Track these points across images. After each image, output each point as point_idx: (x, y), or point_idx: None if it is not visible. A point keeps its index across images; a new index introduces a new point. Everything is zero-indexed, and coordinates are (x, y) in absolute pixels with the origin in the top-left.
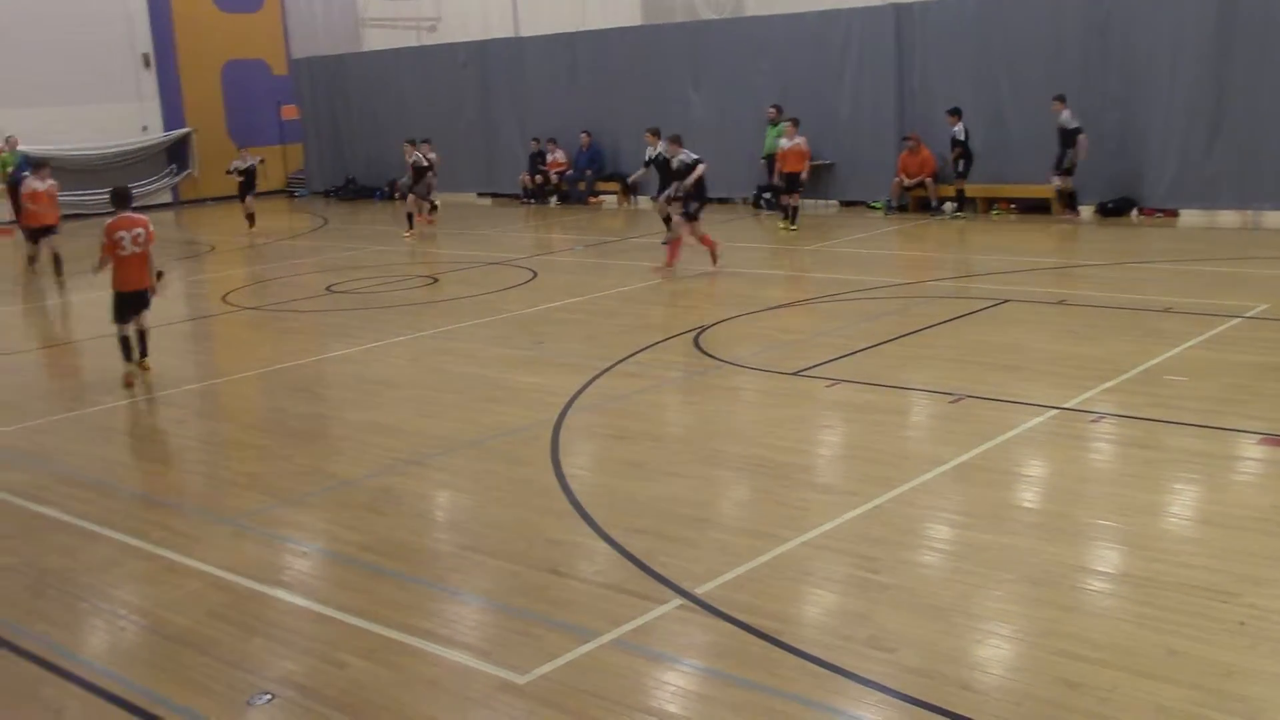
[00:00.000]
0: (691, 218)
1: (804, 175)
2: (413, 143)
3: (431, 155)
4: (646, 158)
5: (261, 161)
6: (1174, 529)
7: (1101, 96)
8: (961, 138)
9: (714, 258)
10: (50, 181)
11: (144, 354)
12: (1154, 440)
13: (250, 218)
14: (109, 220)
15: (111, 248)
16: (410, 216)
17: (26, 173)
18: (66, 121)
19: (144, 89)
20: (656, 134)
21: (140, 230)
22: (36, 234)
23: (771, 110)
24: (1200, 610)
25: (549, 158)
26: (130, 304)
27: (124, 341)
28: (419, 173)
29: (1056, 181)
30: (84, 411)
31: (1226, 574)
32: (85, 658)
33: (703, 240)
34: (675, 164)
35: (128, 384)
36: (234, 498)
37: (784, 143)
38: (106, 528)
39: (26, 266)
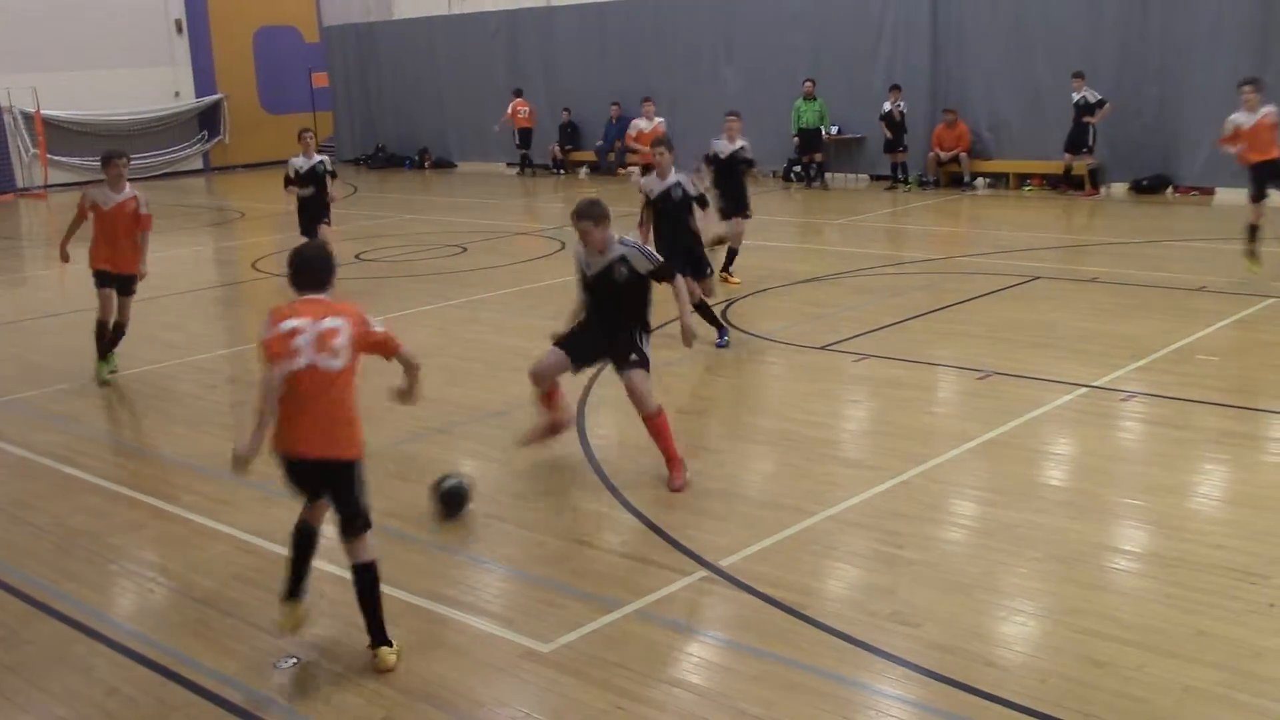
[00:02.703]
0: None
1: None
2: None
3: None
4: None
5: (330, 169)
6: (1203, 509)
7: (1140, 72)
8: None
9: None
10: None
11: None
12: (1184, 420)
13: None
14: None
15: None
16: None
17: None
18: (99, 87)
19: (176, 55)
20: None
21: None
22: None
23: (808, 84)
24: (1229, 591)
25: (639, 128)
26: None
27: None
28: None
29: (1071, 160)
30: (116, 375)
31: (1256, 555)
32: (114, 618)
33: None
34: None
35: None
36: (262, 463)
37: (642, 124)
38: (135, 490)
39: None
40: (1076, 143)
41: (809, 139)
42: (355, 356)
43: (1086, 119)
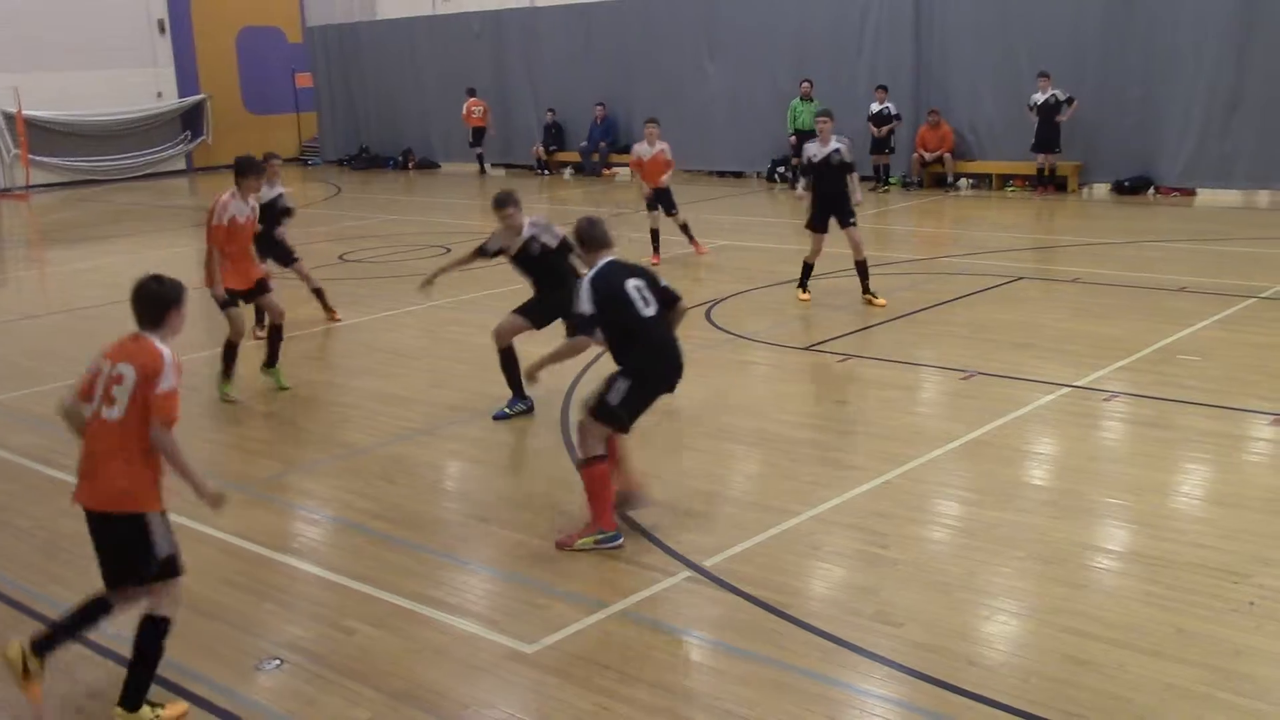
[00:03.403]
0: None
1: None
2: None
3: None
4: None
5: (289, 205)
6: (1184, 509)
7: (1122, 73)
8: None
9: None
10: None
11: None
12: (1166, 420)
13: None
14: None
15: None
16: None
17: None
18: (81, 87)
19: (159, 55)
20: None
21: (127, 370)
22: None
23: (805, 85)
24: (1209, 590)
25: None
26: None
27: None
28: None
29: (1045, 160)
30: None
31: (1236, 554)
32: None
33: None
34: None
35: None
36: (245, 465)
37: (642, 150)
38: None
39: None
40: (1049, 142)
41: (805, 141)
42: (135, 410)
43: (1058, 118)
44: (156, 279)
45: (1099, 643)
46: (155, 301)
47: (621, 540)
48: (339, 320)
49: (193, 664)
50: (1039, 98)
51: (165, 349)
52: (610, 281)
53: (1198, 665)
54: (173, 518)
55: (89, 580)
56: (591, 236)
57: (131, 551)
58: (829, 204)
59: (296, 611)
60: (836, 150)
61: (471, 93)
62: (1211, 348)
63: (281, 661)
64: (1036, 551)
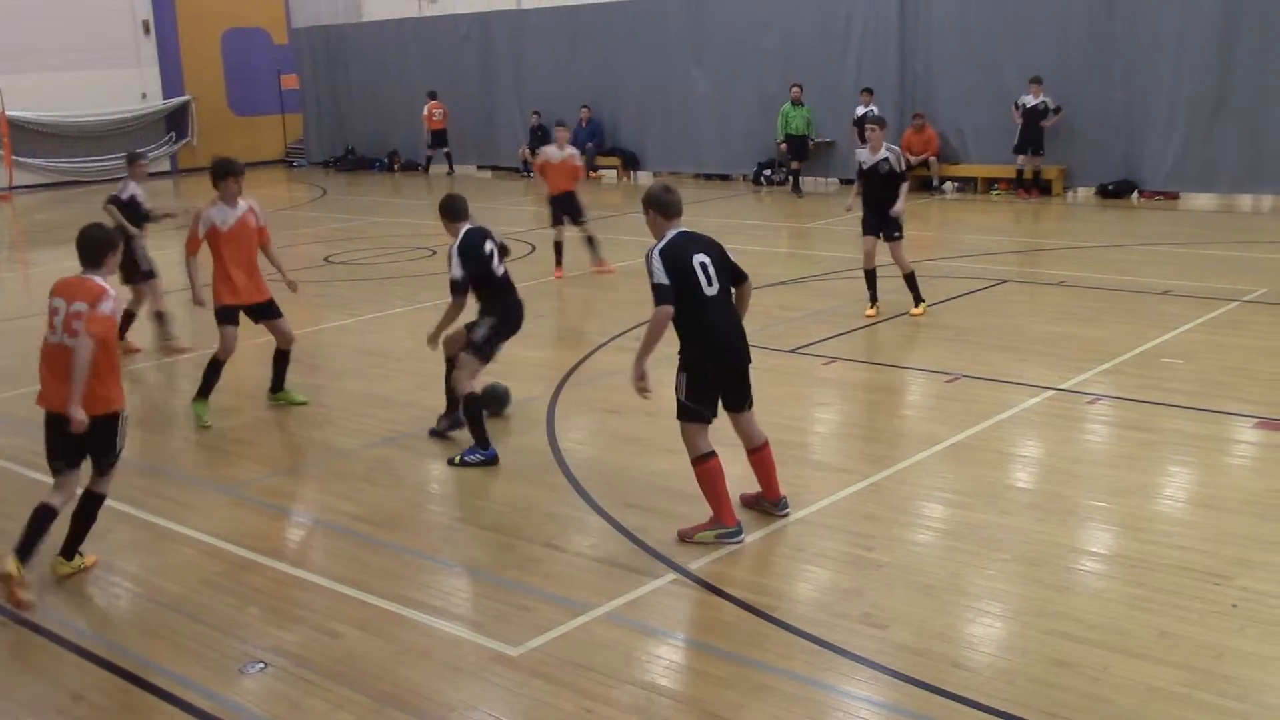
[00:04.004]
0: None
1: (579, 197)
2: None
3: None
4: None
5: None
6: (1168, 511)
7: (1106, 77)
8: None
9: None
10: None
11: None
12: (1149, 423)
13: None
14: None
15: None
16: None
17: None
18: (66, 88)
19: (143, 56)
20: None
21: (82, 306)
22: None
23: (795, 90)
24: (1192, 592)
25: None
26: None
27: None
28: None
29: (1025, 162)
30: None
31: (1219, 557)
32: (79, 623)
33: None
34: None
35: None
36: (229, 466)
37: (552, 152)
38: None
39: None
40: (1031, 145)
41: (796, 146)
42: (95, 334)
43: (1042, 123)
44: (98, 226)
45: (1082, 645)
46: (97, 245)
47: (743, 536)
48: (183, 352)
49: (176, 666)
50: (1029, 100)
51: (106, 284)
52: (681, 252)
53: (1180, 667)
54: (152, 519)
55: (71, 582)
56: (666, 203)
57: (105, 443)
58: (875, 212)
59: (280, 614)
60: (885, 159)
61: (432, 95)
62: (1195, 351)
63: (265, 664)
64: (1021, 554)
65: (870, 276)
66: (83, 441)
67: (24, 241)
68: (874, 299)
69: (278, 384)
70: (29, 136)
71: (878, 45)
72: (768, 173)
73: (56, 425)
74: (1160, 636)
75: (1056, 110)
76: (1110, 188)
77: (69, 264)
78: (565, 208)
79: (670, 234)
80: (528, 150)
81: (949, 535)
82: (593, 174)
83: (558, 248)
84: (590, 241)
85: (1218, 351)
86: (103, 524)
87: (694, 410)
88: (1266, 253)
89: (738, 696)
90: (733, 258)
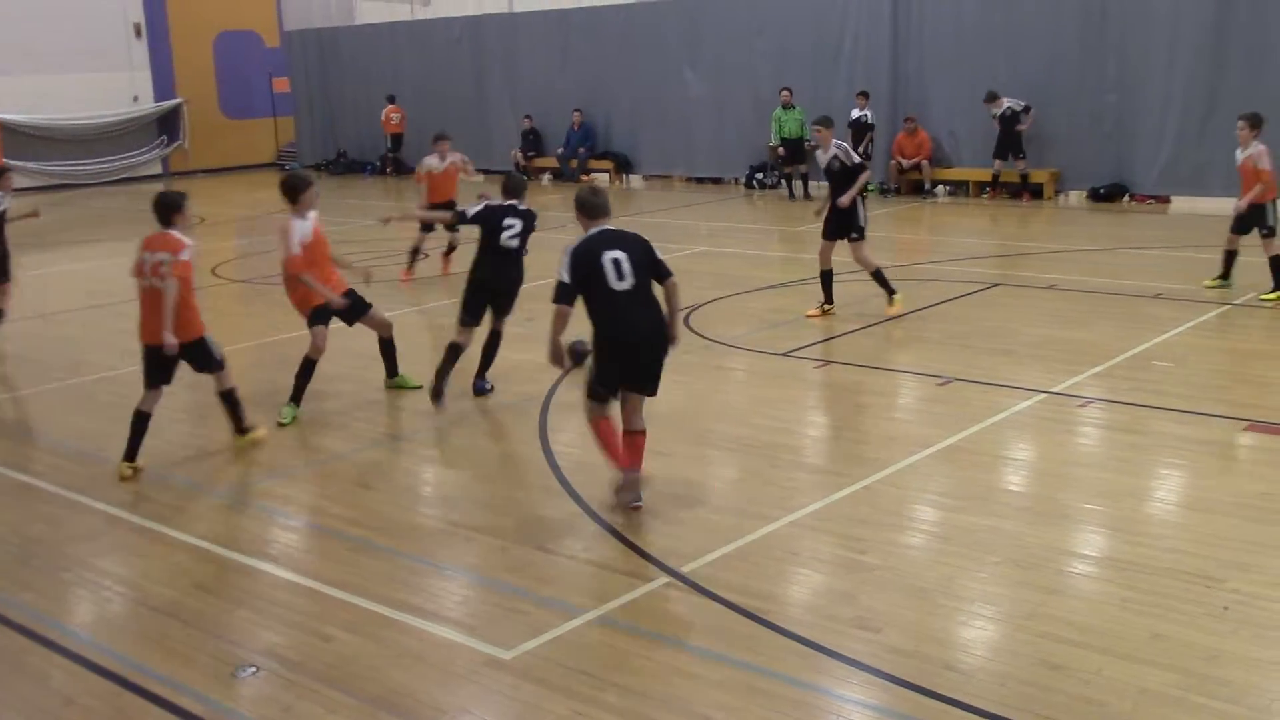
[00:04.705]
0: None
1: (459, 206)
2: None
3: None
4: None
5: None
6: (1159, 514)
7: (1098, 80)
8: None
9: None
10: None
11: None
12: (1141, 425)
13: None
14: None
15: (136, 270)
16: None
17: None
18: (57, 91)
19: (135, 59)
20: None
21: (164, 256)
22: None
23: (784, 93)
24: (1184, 595)
25: (429, 167)
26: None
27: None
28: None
29: (1000, 166)
30: (72, 382)
31: (1211, 559)
32: (70, 627)
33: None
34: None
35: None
36: (221, 470)
37: (433, 163)
38: (92, 498)
39: None
40: (1010, 149)
41: (793, 150)
42: (178, 276)
43: (1018, 128)
44: (165, 193)
45: (1074, 647)
46: (166, 207)
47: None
48: None
49: (168, 670)
50: (995, 110)
51: (183, 236)
52: (590, 251)
53: (1173, 670)
54: (144, 523)
55: (62, 587)
56: (590, 205)
57: (203, 359)
58: (834, 211)
59: (272, 618)
60: (835, 156)
61: (391, 100)
62: (1186, 354)
63: (257, 668)
64: (1013, 556)
65: (825, 278)
66: (176, 363)
67: (14, 245)
68: (828, 300)
69: (391, 370)
70: (20, 139)
71: (870, 49)
72: (760, 176)
73: (153, 353)
74: (1152, 639)
75: (1026, 110)
76: (1102, 191)
77: (60, 268)
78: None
79: (591, 232)
80: (520, 154)
81: (941, 538)
82: (584, 178)
83: (413, 253)
84: (450, 248)
85: (1209, 354)
86: (93, 527)
87: (596, 390)
88: (1257, 256)
89: (731, 699)
90: (659, 256)
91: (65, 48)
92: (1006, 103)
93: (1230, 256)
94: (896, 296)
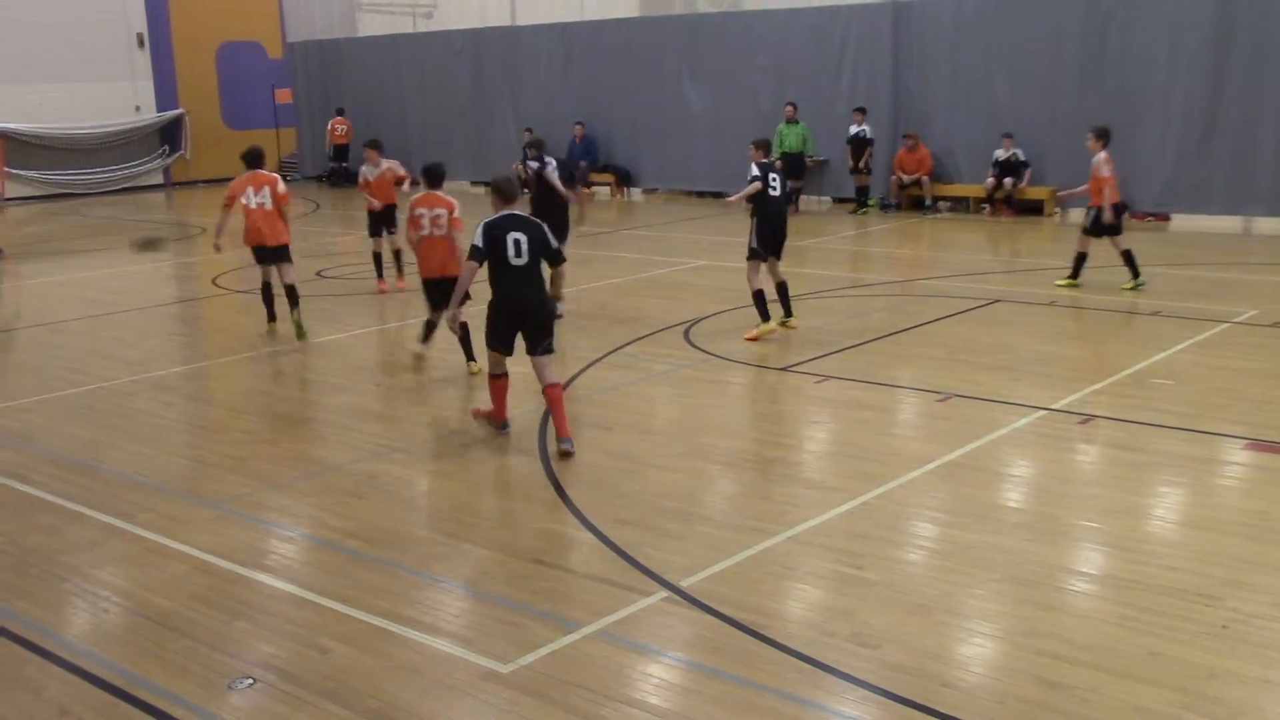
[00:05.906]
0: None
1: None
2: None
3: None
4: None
5: None
6: (1158, 532)
7: (1098, 97)
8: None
9: None
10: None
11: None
12: (1140, 443)
13: None
14: (414, 196)
15: (413, 225)
16: None
17: None
18: (59, 100)
19: (137, 69)
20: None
21: (442, 211)
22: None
23: (789, 108)
24: (1182, 613)
25: (365, 176)
26: (435, 290)
27: (429, 326)
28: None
29: (991, 182)
30: (71, 392)
31: (1209, 578)
32: (67, 638)
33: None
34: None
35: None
36: (219, 481)
37: (367, 170)
38: (90, 508)
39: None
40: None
41: (792, 165)
42: (451, 227)
43: (1014, 178)
44: (437, 164)
45: (1072, 665)
46: (433, 174)
47: (508, 430)
48: None
49: (164, 682)
50: (1000, 154)
51: (452, 199)
52: (500, 228)
53: (1170, 688)
54: (142, 534)
55: (59, 597)
56: (503, 190)
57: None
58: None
59: (269, 630)
60: (755, 176)
61: (340, 112)
62: (1185, 372)
63: (254, 680)
64: (1011, 574)
65: (759, 297)
66: (448, 290)
67: (15, 254)
68: (765, 317)
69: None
70: (21, 149)
71: (871, 64)
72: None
73: (436, 285)
74: (1150, 657)
75: (1026, 165)
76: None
77: (60, 277)
78: (385, 220)
79: (502, 213)
80: (521, 166)
81: (940, 555)
82: (586, 190)
83: (377, 259)
84: (397, 255)
85: (1208, 372)
86: (91, 537)
87: (492, 343)
88: (1257, 274)
89: (728, 715)
90: (552, 244)
91: (68, 57)
92: (1013, 148)
93: (1081, 258)
94: (766, 325)
